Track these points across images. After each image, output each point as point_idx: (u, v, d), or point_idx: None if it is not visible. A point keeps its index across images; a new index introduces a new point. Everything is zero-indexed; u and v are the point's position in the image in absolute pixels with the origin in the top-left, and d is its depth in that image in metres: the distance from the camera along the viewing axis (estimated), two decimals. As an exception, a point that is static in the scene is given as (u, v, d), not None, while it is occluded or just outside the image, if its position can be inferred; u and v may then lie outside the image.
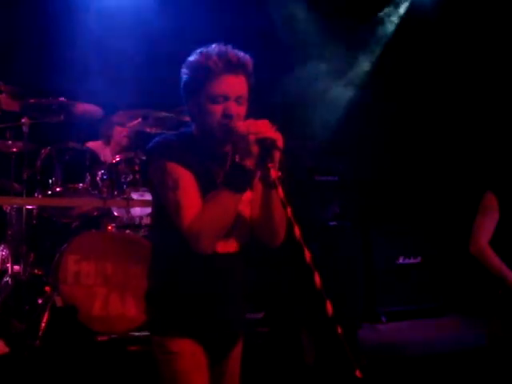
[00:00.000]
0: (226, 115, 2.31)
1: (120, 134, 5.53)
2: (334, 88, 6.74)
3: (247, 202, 2.42)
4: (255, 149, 2.19)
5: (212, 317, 2.41)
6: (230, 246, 2.42)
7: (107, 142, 5.62)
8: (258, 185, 2.40)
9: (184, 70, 2.40)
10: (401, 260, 5.84)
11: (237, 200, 2.27)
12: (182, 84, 2.41)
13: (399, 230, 6.04)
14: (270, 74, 5.50)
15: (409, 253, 5.88)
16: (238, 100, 2.34)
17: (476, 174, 5.70)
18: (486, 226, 3.57)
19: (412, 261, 5.88)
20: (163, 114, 5.00)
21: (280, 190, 2.16)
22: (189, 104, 2.42)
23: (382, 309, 5.70)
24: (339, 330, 1.93)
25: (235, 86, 2.33)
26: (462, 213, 4.02)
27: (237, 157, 2.24)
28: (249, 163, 2.21)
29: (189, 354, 2.36)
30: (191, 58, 2.39)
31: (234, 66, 2.32)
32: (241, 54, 2.36)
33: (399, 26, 7.05)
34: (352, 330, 4.87)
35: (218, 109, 2.32)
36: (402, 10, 7.05)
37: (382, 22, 7.06)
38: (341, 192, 6.13)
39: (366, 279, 5.69)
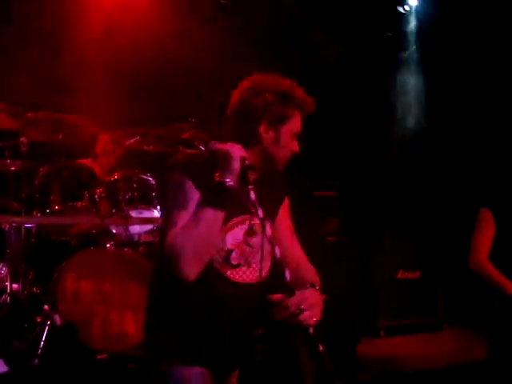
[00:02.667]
0: (293, 152, 2.45)
1: (106, 150, 5.49)
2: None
3: (268, 239, 2.32)
4: (236, 167, 2.26)
5: (214, 345, 2.40)
6: (246, 276, 2.44)
7: (95, 158, 5.59)
8: (279, 221, 2.50)
9: (268, 94, 2.38)
10: (400, 274, 5.84)
11: (217, 216, 2.26)
12: (258, 105, 2.39)
13: (398, 244, 6.05)
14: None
15: (408, 267, 5.87)
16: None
17: (474, 188, 5.71)
18: (483, 241, 3.60)
19: (411, 275, 5.87)
20: (162, 131, 5.02)
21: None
22: (255, 126, 2.41)
23: (381, 323, 5.68)
24: (321, 348, 2.17)
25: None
26: (461, 227, 4.04)
27: (217, 175, 2.27)
28: (229, 180, 2.24)
29: (189, 378, 2.36)
30: (276, 85, 2.41)
31: (307, 107, 2.46)
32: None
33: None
34: (351, 344, 4.86)
35: (293, 144, 2.45)
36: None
37: None
38: (340, 207, 6.14)
39: (365, 294, 5.69)
